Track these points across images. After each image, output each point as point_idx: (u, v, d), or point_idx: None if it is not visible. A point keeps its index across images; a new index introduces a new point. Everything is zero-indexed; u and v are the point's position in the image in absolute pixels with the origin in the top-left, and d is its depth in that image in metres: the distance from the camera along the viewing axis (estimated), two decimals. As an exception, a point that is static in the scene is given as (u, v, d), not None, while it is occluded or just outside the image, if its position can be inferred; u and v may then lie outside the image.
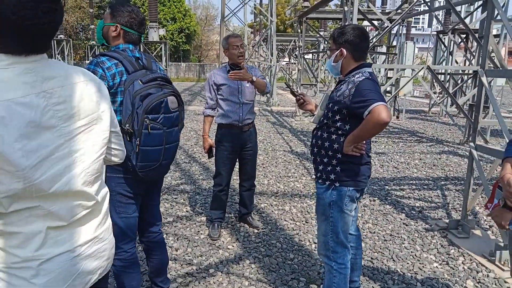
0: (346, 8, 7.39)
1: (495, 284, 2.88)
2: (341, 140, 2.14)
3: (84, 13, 31.84)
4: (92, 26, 22.83)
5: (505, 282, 2.91)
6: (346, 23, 7.18)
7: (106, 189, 1.35)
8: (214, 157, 3.61)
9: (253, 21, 26.50)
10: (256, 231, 3.69)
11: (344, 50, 2.18)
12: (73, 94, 1.15)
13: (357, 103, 2.01)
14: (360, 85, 2.04)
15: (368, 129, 1.98)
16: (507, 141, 3.05)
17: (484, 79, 3.38)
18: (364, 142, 2.15)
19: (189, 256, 3.20)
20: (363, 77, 2.07)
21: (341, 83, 2.22)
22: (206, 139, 3.54)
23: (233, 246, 3.39)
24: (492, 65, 5.10)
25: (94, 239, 1.27)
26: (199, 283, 2.80)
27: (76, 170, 1.16)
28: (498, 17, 3.44)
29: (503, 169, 1.78)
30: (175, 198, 4.53)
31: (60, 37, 19.54)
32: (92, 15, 22.88)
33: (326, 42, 19.03)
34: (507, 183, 1.68)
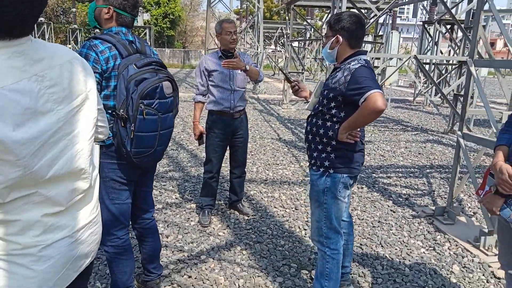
0: (335, -4, 7.35)
1: (480, 269, 2.97)
2: (336, 127, 2.15)
3: (65, -4, 30.89)
4: (74, 10, 22.18)
5: (489, 266, 3.01)
6: (335, 11, 7.16)
7: (97, 171, 1.34)
8: (204, 144, 3.58)
9: (239, 7, 26.21)
10: (246, 218, 3.70)
11: (340, 37, 2.17)
12: (62, 75, 1.11)
13: (353, 90, 2.01)
14: (356, 72, 2.04)
15: (364, 116, 1.99)
16: (494, 130, 3.13)
17: (473, 69, 3.43)
18: (359, 129, 2.16)
19: (180, 243, 3.19)
20: (359, 65, 2.07)
21: (336, 70, 2.21)
22: (196, 125, 3.51)
23: (224, 233, 3.40)
24: (477, 55, 5.18)
25: (89, 223, 1.27)
26: (191, 269, 2.81)
27: (71, 152, 1.14)
28: (485, 8, 3.48)
29: (495, 156, 1.82)
30: (163, 185, 4.50)
31: (40, 20, 18.94)
32: (74, -2, 22.18)
33: (313, 30, 19.00)
34: (499, 170, 1.72)
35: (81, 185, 1.21)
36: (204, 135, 3.54)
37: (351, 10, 8.91)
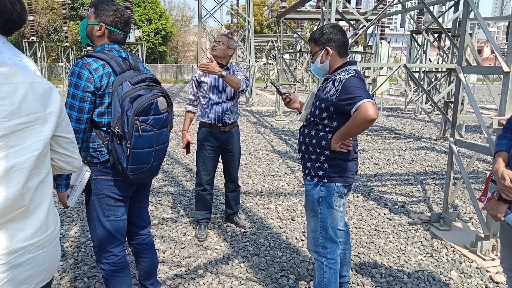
0: (324, 9, 7.47)
1: (478, 274, 2.98)
2: (329, 137, 2.17)
3: (56, 15, 31.04)
4: (65, 28, 22.28)
5: (487, 271, 3.01)
6: (324, 23, 7.26)
7: (49, 194, 1.30)
8: (191, 154, 3.59)
9: (230, 21, 26.47)
10: (243, 230, 3.69)
11: (329, 49, 2.21)
12: (15, 92, 1.18)
13: (344, 100, 2.04)
14: (346, 82, 2.07)
15: (356, 125, 2.01)
16: (485, 135, 3.17)
17: (461, 76, 3.49)
18: (351, 138, 2.18)
19: (177, 257, 3.17)
20: (350, 75, 2.10)
21: (327, 81, 2.24)
22: (184, 135, 3.52)
23: (221, 246, 3.38)
24: (465, 63, 5.26)
25: (29, 246, 1.21)
26: (189, 284, 2.78)
27: (8, 165, 1.15)
28: (470, 16, 3.56)
29: (495, 163, 1.84)
30: (159, 200, 4.48)
31: (32, 39, 18.99)
32: (65, 17, 22.31)
33: (303, 42, 19.21)
34: (501, 177, 1.74)
35: (15, 202, 1.18)
36: (192, 145, 3.55)
37: (339, 21, 9.05)
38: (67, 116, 1.40)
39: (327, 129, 2.18)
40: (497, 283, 2.86)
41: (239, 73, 3.45)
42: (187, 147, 3.55)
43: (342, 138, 2.11)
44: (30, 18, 17.91)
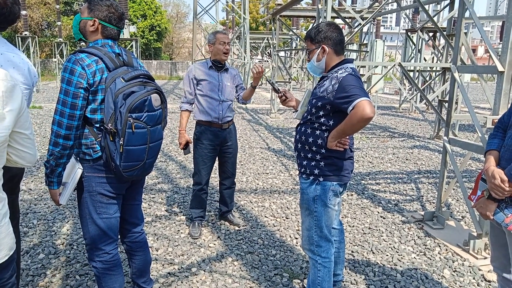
0: (319, 6, 7.46)
1: (470, 272, 3.00)
2: (325, 135, 2.16)
3: (49, 10, 30.69)
4: (59, 23, 22.05)
5: (479, 269, 3.03)
6: (320, 21, 7.25)
7: None
8: (190, 154, 3.57)
9: (225, 18, 26.36)
10: (237, 228, 3.68)
11: (326, 47, 2.20)
12: None
13: (341, 98, 2.03)
14: (343, 80, 2.06)
15: (352, 124, 2.00)
16: (479, 134, 3.18)
17: (456, 75, 3.50)
18: (348, 137, 2.17)
19: (170, 255, 3.15)
20: (346, 73, 2.09)
21: (323, 79, 2.23)
22: (182, 134, 3.48)
23: (214, 244, 3.36)
24: (460, 62, 5.27)
25: None
26: (182, 282, 2.77)
27: None
28: (466, 15, 3.57)
29: (486, 162, 1.84)
30: (152, 198, 4.46)
31: (25, 34, 18.78)
32: (59, 12, 22.07)
33: (299, 40, 19.20)
34: (491, 176, 1.75)
35: None
36: (191, 144, 3.52)
37: (335, 19, 9.05)
38: (27, 113, 1.42)
39: (323, 128, 2.17)
40: (489, 281, 2.88)
41: (238, 78, 3.57)
42: (185, 147, 3.51)
43: (339, 136, 2.10)
44: (23, 12, 17.67)
